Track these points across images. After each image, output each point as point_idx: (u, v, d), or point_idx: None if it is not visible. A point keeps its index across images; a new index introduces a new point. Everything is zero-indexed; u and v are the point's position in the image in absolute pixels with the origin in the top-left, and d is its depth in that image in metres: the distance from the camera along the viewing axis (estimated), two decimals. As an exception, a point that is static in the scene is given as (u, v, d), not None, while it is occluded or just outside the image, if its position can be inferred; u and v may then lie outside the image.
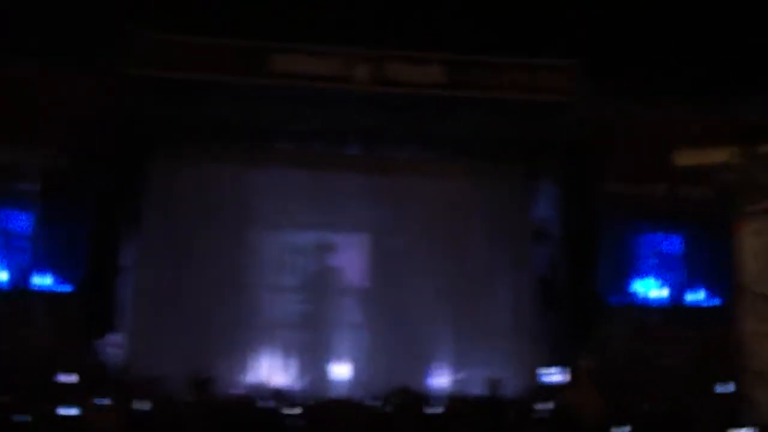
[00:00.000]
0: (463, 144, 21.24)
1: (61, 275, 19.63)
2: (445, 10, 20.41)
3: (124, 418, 12.36)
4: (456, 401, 17.41)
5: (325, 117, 20.27)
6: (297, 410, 15.29)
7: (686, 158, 13.25)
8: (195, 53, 19.81)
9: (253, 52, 20.03)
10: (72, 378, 17.40)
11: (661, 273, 20.62)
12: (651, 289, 20.80)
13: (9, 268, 19.54)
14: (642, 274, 20.71)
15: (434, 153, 21.68)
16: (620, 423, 10.47)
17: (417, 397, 17.27)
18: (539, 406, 14.84)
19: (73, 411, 12.37)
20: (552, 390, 17.30)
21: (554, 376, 19.24)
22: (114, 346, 19.38)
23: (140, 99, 19.64)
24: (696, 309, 20.19)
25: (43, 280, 19.60)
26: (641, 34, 20.13)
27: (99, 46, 19.39)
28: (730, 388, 15.75)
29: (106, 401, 13.20)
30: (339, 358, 20.83)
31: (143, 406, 14.14)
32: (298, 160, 21.42)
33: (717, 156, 12.82)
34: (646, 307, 20.72)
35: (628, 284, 20.74)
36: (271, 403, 16.29)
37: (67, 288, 19.62)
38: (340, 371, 20.68)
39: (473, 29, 20.37)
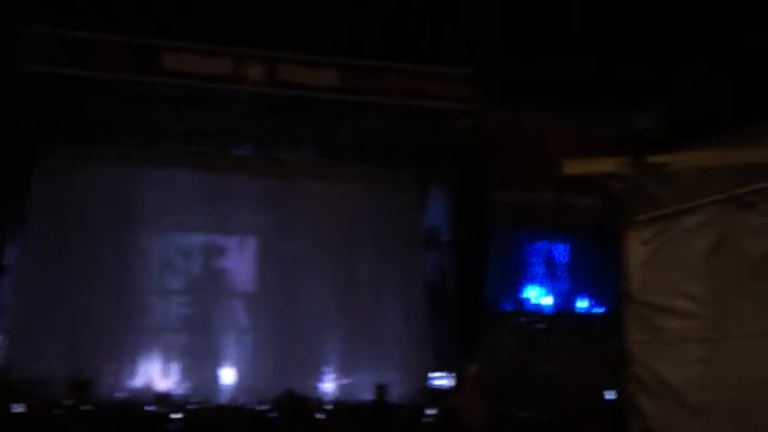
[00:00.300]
0: (355, 148, 21.27)
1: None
2: (343, 13, 20.32)
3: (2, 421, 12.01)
4: (342, 406, 17.39)
5: (216, 118, 20.02)
6: (180, 414, 15.08)
7: (574, 167, 13.30)
8: (82, 49, 19.39)
9: (143, 50, 19.69)
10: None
11: (549, 280, 20.84)
12: (538, 296, 21.02)
13: None
14: (530, 281, 20.90)
15: (327, 157, 21.59)
16: (504, 429, 10.49)
17: (303, 402, 17.19)
18: (426, 411, 14.86)
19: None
20: (439, 395, 17.34)
21: (441, 380, 19.33)
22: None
23: (24, 96, 19.10)
24: (583, 316, 20.44)
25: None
26: (533, 44, 20.30)
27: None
28: (615, 395, 15.98)
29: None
30: (225, 362, 20.60)
31: (20, 408, 13.80)
32: (187, 161, 21.07)
33: (605, 165, 12.89)
34: (534, 313, 20.94)
35: (516, 291, 20.94)
36: (155, 407, 16.05)
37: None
38: (226, 375, 20.45)
39: (369, 34, 20.29)
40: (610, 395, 16.69)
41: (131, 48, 19.65)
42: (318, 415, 16.34)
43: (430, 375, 19.61)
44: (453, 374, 17.79)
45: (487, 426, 10.74)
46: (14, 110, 18.99)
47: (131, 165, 20.93)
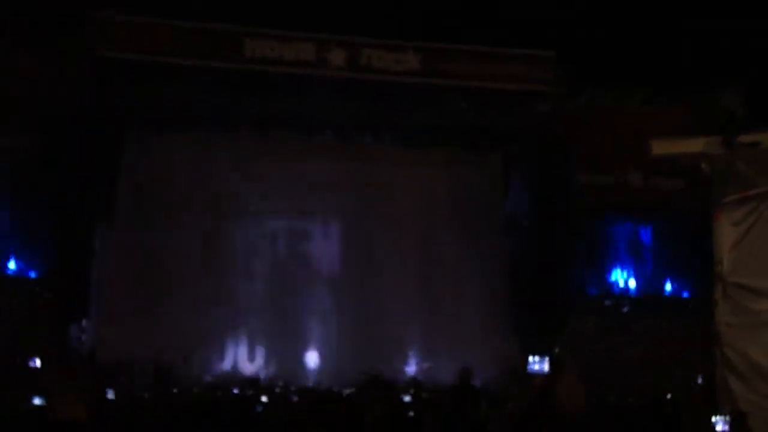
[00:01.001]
0: (436, 132, 21.18)
1: (28, 261, 19.25)
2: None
3: (90, 406, 12.16)
4: (426, 390, 17.38)
5: (298, 103, 20.10)
6: (266, 398, 15.18)
7: (662, 148, 13.18)
8: (165, 36, 19.56)
9: (225, 36, 19.82)
10: (37, 364, 17.21)
11: (635, 263, 20.57)
12: (625, 279, 20.77)
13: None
14: (616, 264, 20.65)
15: (408, 141, 21.55)
16: (595, 412, 10.42)
17: (388, 386, 17.19)
18: (512, 396, 14.78)
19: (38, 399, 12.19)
20: (526, 380, 17.23)
21: (528, 365, 19.22)
22: (83, 332, 19.16)
23: (111, 82, 19.34)
24: (671, 299, 20.18)
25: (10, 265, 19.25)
26: (617, 25, 20.10)
27: (67, 28, 19.15)
28: (706, 378, 15.79)
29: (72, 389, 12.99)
30: (309, 345, 20.74)
31: (109, 394, 13.99)
32: (270, 147, 21.17)
33: (693, 146, 12.76)
34: (621, 297, 20.71)
35: (601, 274, 20.70)
36: (240, 391, 16.18)
37: (34, 274, 19.25)
38: (311, 359, 20.58)
39: (450, 17, 20.23)
40: (701, 378, 16.50)
41: (216, 35, 19.77)
42: (403, 399, 16.33)
43: (516, 359, 19.50)
44: (545, 359, 17.62)
45: (586, 411, 10.66)
46: (95, 98, 19.20)
47: (214, 151, 21.04)
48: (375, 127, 21.11)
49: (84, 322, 19.31)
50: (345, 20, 19.95)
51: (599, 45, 19.97)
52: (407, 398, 16.65)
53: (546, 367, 17.16)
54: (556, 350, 18.30)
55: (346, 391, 17.37)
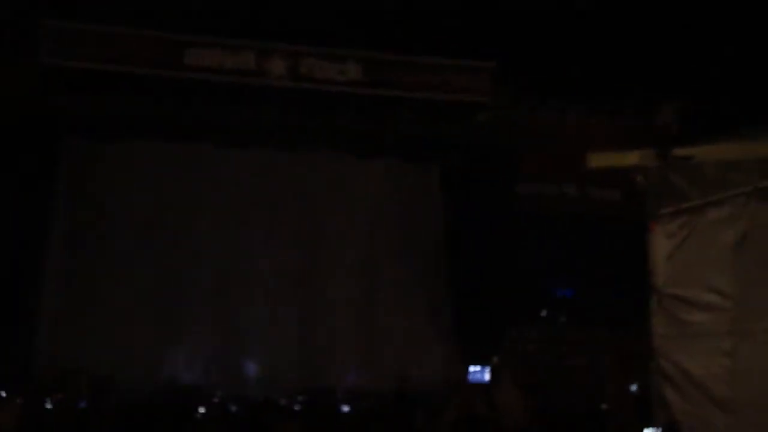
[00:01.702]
0: (378, 142, 21.29)
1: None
2: (365, 5, 20.32)
3: (25, 417, 12.07)
4: (366, 398, 17.45)
5: (237, 113, 20.10)
6: (204, 408, 15.15)
7: (599, 160, 13.34)
8: (107, 44, 19.47)
9: (167, 44, 19.76)
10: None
11: (575, 274, 20.76)
12: (565, 290, 20.97)
13: None
14: (556, 274, 20.84)
15: (348, 151, 21.59)
16: (535, 423, 10.54)
17: (328, 395, 17.25)
18: (450, 405, 14.87)
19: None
20: (464, 389, 17.36)
21: (466, 374, 19.39)
22: (18, 343, 18.99)
23: (46, 91, 19.22)
24: (608, 309, 20.38)
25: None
26: (557, 37, 20.28)
27: (12, 36, 19.01)
28: (641, 388, 16.00)
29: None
30: (248, 355, 20.70)
31: (46, 404, 13.89)
32: (210, 156, 21.15)
33: (629, 159, 12.93)
34: (559, 306, 20.90)
35: (541, 284, 20.88)
36: (179, 401, 16.13)
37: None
38: (250, 368, 20.54)
39: (391, 27, 20.29)
40: (636, 389, 16.71)
41: (155, 42, 19.70)
42: (343, 408, 16.38)
43: (456, 369, 19.65)
44: (485, 368, 17.78)
45: (525, 420, 10.78)
46: (36, 106, 19.07)
47: (155, 161, 20.97)
48: (315, 137, 21.08)
49: (20, 333, 19.08)
50: (286, 29, 19.94)
51: (539, 57, 20.12)
52: (346, 408, 16.69)
53: (486, 376, 17.38)
54: (495, 360, 18.45)
55: (286, 399, 17.39)
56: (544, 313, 20.92)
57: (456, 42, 20.31)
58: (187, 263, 20.95)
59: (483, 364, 17.12)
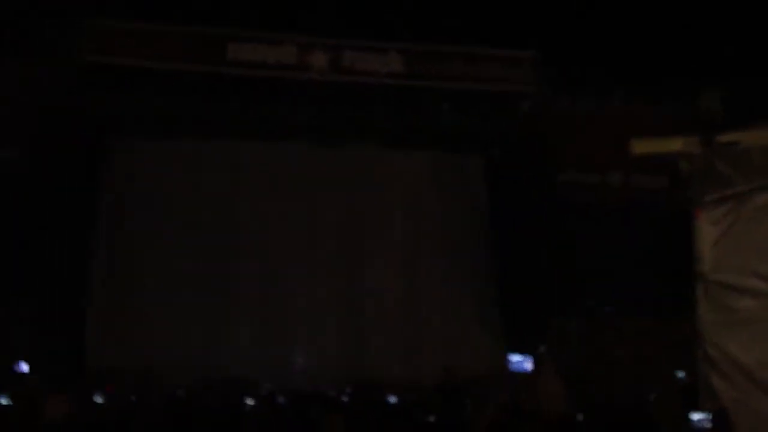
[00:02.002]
0: (419, 134, 21.26)
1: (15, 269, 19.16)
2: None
3: (75, 409, 12.20)
4: (412, 389, 17.45)
5: (280, 107, 20.17)
6: (255, 401, 15.22)
7: (643, 147, 13.27)
8: (150, 41, 19.63)
9: (209, 40, 19.88)
10: (24, 368, 17.29)
11: (620, 262, 20.62)
12: (610, 278, 20.84)
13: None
14: (599, 262, 20.70)
15: (391, 143, 21.58)
16: (579, 413, 10.52)
17: (374, 387, 17.28)
18: (496, 395, 14.86)
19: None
20: (511, 379, 17.36)
21: (513, 364, 19.36)
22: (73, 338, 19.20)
23: (96, 88, 19.40)
24: (654, 297, 20.28)
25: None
26: (599, 24, 20.20)
27: (53, 34, 19.20)
28: (688, 375, 15.94)
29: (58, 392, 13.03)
30: (295, 347, 20.79)
31: (98, 398, 14.03)
32: (252, 151, 21.25)
33: (673, 145, 12.84)
34: (606, 297, 20.79)
35: (585, 273, 20.76)
36: (226, 394, 16.20)
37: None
38: (297, 361, 20.62)
39: (432, 18, 20.30)
40: (683, 376, 16.65)
41: (196, 38, 19.84)
42: (389, 400, 16.39)
43: (500, 359, 19.64)
44: (527, 358, 17.74)
45: (567, 410, 10.77)
46: (79, 104, 19.23)
47: (198, 156, 21.07)
48: (357, 130, 21.10)
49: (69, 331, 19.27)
50: (327, 23, 20.01)
51: (581, 44, 20.07)
52: (392, 399, 16.70)
53: (528, 366, 17.31)
54: (540, 350, 18.39)
55: (333, 392, 17.42)
56: (589, 302, 20.81)
57: (496, 32, 20.29)
58: (231, 257, 21.05)
59: (527, 354, 17.04)
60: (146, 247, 20.62)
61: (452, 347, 20.61)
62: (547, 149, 20.84)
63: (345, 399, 16.35)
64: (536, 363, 16.11)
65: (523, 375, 17.13)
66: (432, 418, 13.73)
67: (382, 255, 21.69)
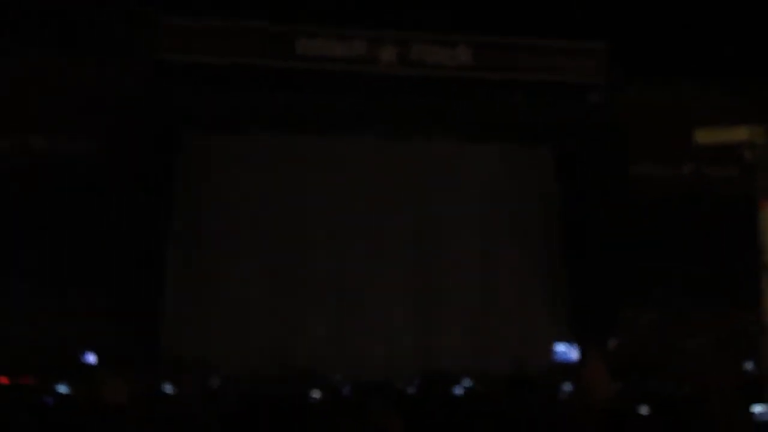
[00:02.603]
0: (489, 126, 21.21)
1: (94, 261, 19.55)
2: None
3: (147, 399, 12.40)
4: (480, 381, 17.44)
5: (350, 100, 20.29)
6: (320, 392, 15.31)
7: (707, 137, 13.18)
8: (223, 37, 19.90)
9: (278, 36, 20.08)
10: (92, 358, 17.64)
11: (687, 252, 20.37)
12: (679, 268, 20.61)
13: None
14: (670, 253, 20.47)
15: (461, 136, 21.56)
16: (639, 404, 10.44)
17: (444, 378, 17.30)
18: (562, 386, 14.84)
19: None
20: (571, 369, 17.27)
21: (570, 354, 19.29)
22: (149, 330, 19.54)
23: (161, 85, 19.73)
24: (723, 288, 20.02)
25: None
26: (670, 14, 20.01)
27: (130, 33, 19.56)
28: (752, 367, 15.75)
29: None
30: (365, 338, 20.87)
31: (166, 388, 14.23)
32: (324, 145, 21.38)
33: (739, 134, 12.73)
34: (675, 288, 20.57)
35: (655, 263, 20.55)
36: (294, 385, 16.33)
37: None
38: (366, 351, 20.70)
39: (501, 10, 20.24)
40: (747, 367, 16.44)
41: (266, 33, 20.06)
42: (457, 392, 16.41)
43: (559, 348, 19.62)
44: (572, 348, 17.70)
45: (611, 402, 10.71)
46: (153, 99, 19.57)
47: (271, 150, 21.26)
48: (427, 122, 21.13)
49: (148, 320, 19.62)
50: (396, 16, 20.05)
51: (651, 35, 19.91)
52: (461, 391, 16.73)
53: (574, 355, 17.24)
54: (612, 342, 18.32)
55: (402, 385, 17.50)
56: (659, 294, 20.60)
57: (566, 23, 20.19)
58: (302, 250, 21.25)
59: (599, 346, 16.92)
60: (220, 240, 20.88)
61: (522, 339, 20.59)
62: (618, 140, 20.66)
63: (412, 390, 16.39)
64: (584, 355, 16.02)
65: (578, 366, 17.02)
66: (501, 411, 13.72)
67: (455, 247, 21.69)
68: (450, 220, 21.77)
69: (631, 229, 20.35)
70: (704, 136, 13.42)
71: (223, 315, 20.48)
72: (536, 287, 21.45)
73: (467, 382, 17.15)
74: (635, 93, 20.81)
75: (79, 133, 19.92)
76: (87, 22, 19.42)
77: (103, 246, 19.21)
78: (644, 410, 10.36)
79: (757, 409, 10.36)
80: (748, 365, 16.43)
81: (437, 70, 20.49)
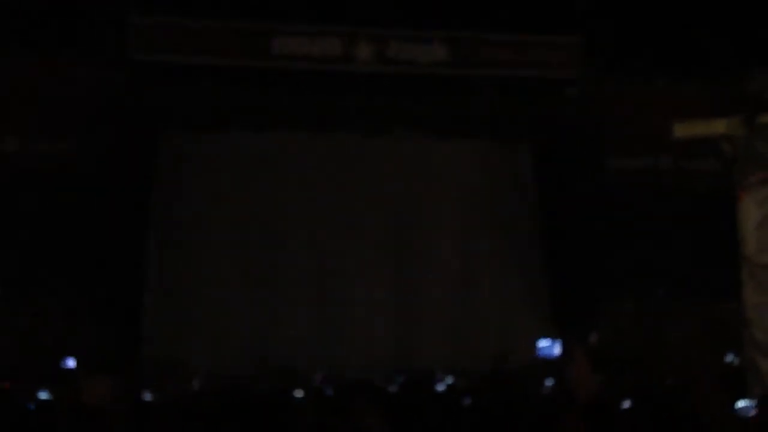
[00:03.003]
0: (466, 123, 21.24)
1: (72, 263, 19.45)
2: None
3: (118, 394, 12.32)
4: (462, 377, 17.46)
5: (325, 99, 20.27)
6: (301, 391, 15.29)
7: (685, 130, 13.23)
8: (195, 36, 19.84)
9: (253, 34, 20.04)
10: (71, 363, 17.57)
11: (667, 245, 20.46)
12: (657, 260, 20.70)
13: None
14: (647, 246, 20.55)
15: (438, 133, 21.56)
16: (622, 398, 10.46)
17: (425, 375, 17.30)
18: (545, 382, 14.87)
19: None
20: (556, 365, 17.30)
21: (553, 349, 19.34)
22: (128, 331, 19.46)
23: (142, 84, 19.66)
24: (702, 280, 20.12)
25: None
26: (644, 6, 20.08)
27: (101, 33, 19.48)
28: (733, 359, 15.82)
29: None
30: (345, 335, 20.86)
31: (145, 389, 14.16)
32: (300, 145, 21.36)
33: (716, 127, 12.79)
34: (654, 280, 20.65)
35: (634, 258, 20.63)
36: (274, 384, 16.29)
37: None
38: (346, 349, 20.68)
39: (476, 6, 20.26)
40: (728, 360, 16.51)
41: (241, 33, 20.02)
42: (439, 388, 16.41)
43: (547, 344, 19.63)
44: (564, 344, 17.73)
45: (597, 398, 10.73)
46: (128, 101, 19.50)
47: (245, 151, 21.22)
48: (403, 119, 21.13)
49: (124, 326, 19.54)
50: (371, 13, 20.04)
51: (626, 27, 19.99)
52: (442, 387, 16.74)
53: (556, 350, 17.26)
54: (592, 336, 18.37)
55: (383, 382, 17.49)
56: (639, 286, 20.68)
57: (541, 17, 20.24)
58: (282, 249, 21.21)
59: (571, 340, 16.99)
60: (198, 240, 20.84)
61: (503, 334, 20.64)
62: (595, 134, 20.73)
63: (394, 388, 16.39)
64: (567, 350, 16.07)
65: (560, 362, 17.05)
66: (483, 406, 13.73)
67: (433, 244, 21.72)
68: (428, 216, 21.78)
69: (611, 222, 20.41)
70: (681, 130, 13.47)
71: (202, 315, 20.43)
72: (516, 282, 21.49)
73: (449, 379, 17.18)
74: (611, 87, 20.86)
75: (52, 135, 19.77)
76: (58, 23, 19.34)
77: (80, 248, 19.14)
78: (627, 404, 10.38)
79: (741, 402, 10.39)
80: (729, 357, 16.54)
81: (413, 67, 20.46)
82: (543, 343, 19.80)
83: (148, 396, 14.02)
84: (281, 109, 20.54)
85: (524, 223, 21.83)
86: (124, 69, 19.52)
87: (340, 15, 20.07)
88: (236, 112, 20.47)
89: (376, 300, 21.25)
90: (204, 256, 20.87)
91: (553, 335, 19.83)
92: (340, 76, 20.30)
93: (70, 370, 17.33)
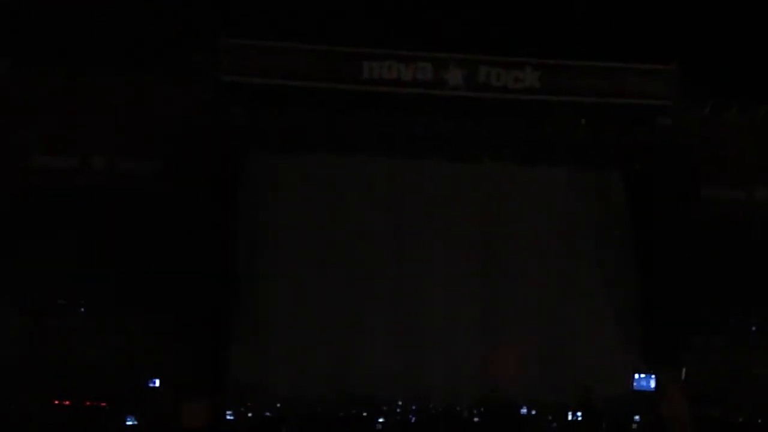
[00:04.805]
0: (556, 150, 20.97)
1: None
2: (541, 14, 20.17)
3: (210, 421, 12.36)
4: (546, 408, 17.22)
5: (416, 124, 20.16)
6: (383, 418, 15.22)
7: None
8: (286, 59, 19.88)
9: (344, 58, 20.02)
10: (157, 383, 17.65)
11: (762, 277, 19.96)
12: (752, 293, 20.22)
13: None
14: (741, 278, 20.08)
15: (528, 159, 21.30)
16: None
17: (509, 406, 17.10)
18: (633, 417, 14.57)
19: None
20: (646, 399, 16.96)
21: (648, 384, 18.92)
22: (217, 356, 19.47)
23: (233, 105, 19.75)
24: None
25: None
26: (740, 35, 19.72)
27: (193, 54, 19.65)
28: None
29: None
30: (428, 363, 20.64)
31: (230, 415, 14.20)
32: (388, 168, 21.25)
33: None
34: (748, 314, 20.20)
35: (727, 289, 20.16)
36: (357, 411, 16.24)
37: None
38: (429, 377, 20.48)
39: (568, 32, 20.06)
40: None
41: (332, 56, 20.00)
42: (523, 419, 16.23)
43: (637, 378, 19.21)
44: (657, 378, 17.31)
45: (693, 430, 10.44)
46: (218, 121, 19.59)
47: (333, 173, 21.17)
48: (494, 145, 20.93)
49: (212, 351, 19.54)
50: (463, 39, 19.94)
51: (722, 56, 19.62)
52: (527, 419, 16.54)
53: (651, 384, 16.86)
54: (669, 369, 17.98)
55: (466, 410, 17.32)
56: (731, 320, 20.22)
57: (635, 45, 19.95)
58: (366, 276, 21.09)
59: (662, 373, 16.62)
60: (283, 263, 20.79)
61: (591, 366, 20.22)
62: (689, 164, 20.31)
63: (478, 419, 16.23)
64: (661, 384, 15.68)
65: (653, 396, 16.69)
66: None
67: (521, 272, 21.43)
68: (519, 245, 21.50)
69: (704, 254, 19.95)
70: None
71: (285, 339, 20.37)
72: (606, 313, 21.08)
73: (532, 411, 16.97)
74: (706, 115, 20.49)
75: (140, 154, 19.97)
76: (152, 43, 19.56)
77: (168, 269, 19.21)
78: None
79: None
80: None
81: (503, 93, 20.27)
82: (639, 378, 19.36)
83: (230, 417, 14.09)
84: (369, 133, 20.44)
85: (616, 253, 21.42)
86: (214, 89, 19.59)
87: (431, 40, 19.98)
88: (325, 135, 20.41)
89: (461, 327, 21.01)
90: (288, 279, 20.79)
91: (642, 370, 19.41)
92: (430, 101, 20.11)
93: (162, 391, 17.36)
